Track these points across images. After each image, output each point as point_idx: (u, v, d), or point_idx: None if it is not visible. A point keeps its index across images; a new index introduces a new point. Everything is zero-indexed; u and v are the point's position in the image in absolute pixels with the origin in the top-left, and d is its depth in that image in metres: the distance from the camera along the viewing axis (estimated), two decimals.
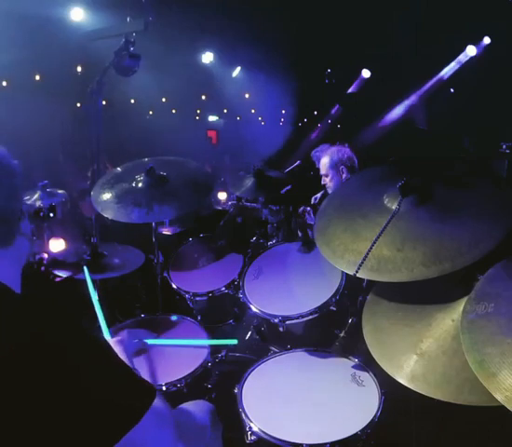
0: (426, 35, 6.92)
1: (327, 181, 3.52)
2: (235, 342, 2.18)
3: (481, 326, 1.28)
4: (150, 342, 2.04)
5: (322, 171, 3.54)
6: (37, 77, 8.99)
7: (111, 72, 3.78)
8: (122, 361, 1.09)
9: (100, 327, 1.99)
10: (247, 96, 13.08)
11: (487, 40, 8.00)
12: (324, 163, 3.51)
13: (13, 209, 1.15)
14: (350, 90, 9.90)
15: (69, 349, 0.99)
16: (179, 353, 2.19)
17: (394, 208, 1.78)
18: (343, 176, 3.43)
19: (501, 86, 6.73)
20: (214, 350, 2.29)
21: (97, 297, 2.08)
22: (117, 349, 1.64)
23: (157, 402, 1.06)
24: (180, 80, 9.43)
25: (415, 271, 1.57)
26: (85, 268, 2.33)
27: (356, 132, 8.77)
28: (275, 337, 2.44)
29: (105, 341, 1.12)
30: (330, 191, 3.57)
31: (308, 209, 3.36)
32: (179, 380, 2.04)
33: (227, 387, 2.02)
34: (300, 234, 3.26)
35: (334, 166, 3.45)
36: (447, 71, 8.74)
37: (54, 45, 6.68)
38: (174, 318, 2.50)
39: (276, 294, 2.42)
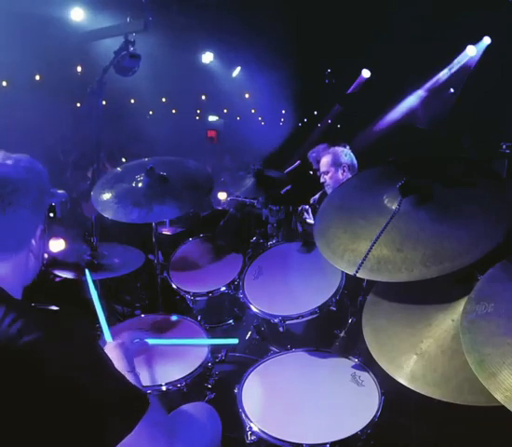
0: (426, 35, 6.91)
1: (326, 178, 3.57)
2: (235, 341, 2.18)
3: (481, 326, 1.29)
4: (151, 342, 2.03)
5: (323, 169, 3.59)
6: (37, 77, 9.00)
7: (111, 72, 3.78)
8: (116, 371, 1.09)
9: (100, 328, 1.99)
10: (247, 96, 13.08)
11: (487, 40, 7.99)
12: (326, 161, 3.56)
13: (28, 217, 1.16)
14: (350, 90, 9.90)
15: (62, 358, 0.99)
16: (179, 353, 2.19)
17: (394, 208, 1.78)
18: (344, 175, 3.47)
19: (501, 86, 6.72)
20: (214, 350, 2.29)
21: (98, 299, 2.08)
22: (117, 352, 1.64)
23: (151, 410, 1.06)
24: (180, 80, 9.44)
25: (415, 271, 1.57)
26: (86, 271, 2.33)
27: (356, 132, 8.77)
28: (275, 337, 2.44)
29: (100, 349, 1.11)
30: (329, 189, 3.62)
31: (306, 207, 3.38)
32: (179, 380, 2.04)
33: (227, 387, 2.02)
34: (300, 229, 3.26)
35: (336, 164, 3.49)
36: (447, 71, 8.73)
37: (54, 45, 6.69)
38: (174, 318, 2.50)
39: (276, 294, 2.42)
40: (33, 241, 1.20)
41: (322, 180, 3.61)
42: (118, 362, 1.54)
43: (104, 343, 1.81)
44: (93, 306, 2.05)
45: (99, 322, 1.99)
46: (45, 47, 6.75)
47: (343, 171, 3.48)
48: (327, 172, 3.55)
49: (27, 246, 1.19)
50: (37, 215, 1.19)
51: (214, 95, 12.52)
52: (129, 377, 1.44)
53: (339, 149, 3.58)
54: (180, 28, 7.38)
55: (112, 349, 1.66)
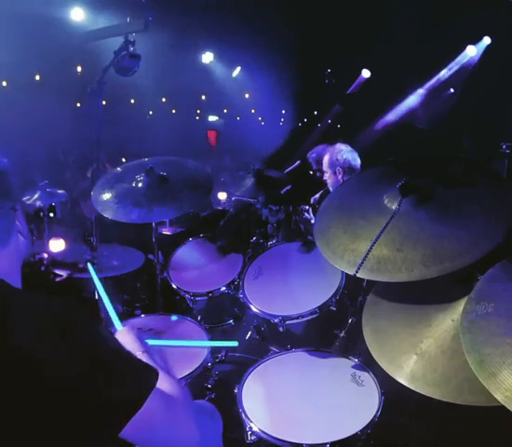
0: (426, 35, 6.91)
1: (326, 177, 3.62)
2: (235, 344, 2.18)
3: (481, 326, 1.29)
4: (150, 342, 2.02)
5: (323, 167, 3.63)
6: (37, 77, 9.00)
7: (111, 72, 3.78)
8: (122, 348, 1.09)
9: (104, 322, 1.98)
10: (247, 96, 13.07)
11: (487, 40, 7.99)
12: (325, 160, 3.60)
13: (6, 205, 1.16)
14: (350, 90, 9.90)
15: (62, 357, 0.98)
16: (179, 353, 2.19)
17: (394, 208, 1.78)
18: (339, 177, 3.49)
19: (501, 86, 6.72)
20: (214, 350, 2.29)
21: (102, 288, 2.06)
22: (130, 336, 1.63)
23: (163, 384, 1.07)
24: (180, 80, 9.43)
25: (415, 271, 1.57)
26: (89, 265, 2.30)
27: (356, 132, 8.77)
28: (275, 337, 2.44)
29: (105, 329, 1.12)
30: (330, 187, 3.64)
31: (306, 207, 3.38)
32: (179, 380, 2.04)
33: (227, 387, 2.03)
34: (302, 228, 3.27)
35: (332, 165, 3.51)
36: (447, 71, 8.73)
37: (54, 45, 6.69)
38: (174, 318, 2.50)
39: (276, 294, 2.43)
40: (18, 222, 1.20)
41: (324, 177, 3.65)
42: (132, 345, 1.53)
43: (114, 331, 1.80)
44: (93, 306, 2.04)
45: (101, 318, 1.98)
46: (45, 48, 6.74)
47: (338, 173, 3.48)
48: (326, 171, 3.58)
49: (15, 230, 1.19)
50: (9, 200, 1.18)
51: (214, 95, 12.51)
52: (145, 358, 1.45)
53: (337, 148, 3.56)
54: (180, 28, 7.37)
55: (124, 334, 1.65)
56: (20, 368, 0.94)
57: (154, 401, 1.02)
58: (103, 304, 1.96)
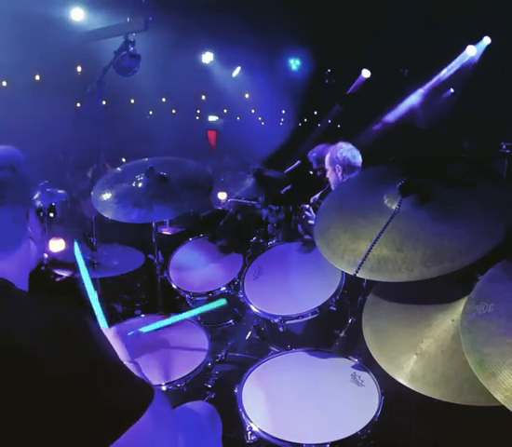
0: (426, 35, 6.91)
1: (328, 174, 3.65)
2: (223, 302, 2.01)
3: (481, 326, 1.28)
4: (144, 330, 1.97)
5: (325, 165, 3.68)
6: (37, 77, 8.99)
7: (111, 72, 3.78)
8: (120, 362, 1.09)
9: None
10: (247, 96, 13.07)
11: (487, 40, 8.00)
12: (327, 158, 3.64)
13: (19, 212, 1.16)
14: (350, 90, 9.90)
15: (63, 358, 0.98)
16: (179, 353, 2.19)
17: (394, 208, 1.78)
18: (339, 174, 3.52)
19: (501, 86, 6.72)
20: (214, 350, 2.29)
21: (95, 292, 2.03)
22: (116, 341, 1.62)
23: (156, 403, 1.06)
24: (180, 80, 9.43)
25: (415, 271, 1.57)
26: (75, 245, 2.17)
27: (356, 132, 8.77)
28: (275, 337, 2.44)
29: (106, 340, 1.10)
30: (332, 186, 3.69)
31: (306, 206, 3.38)
32: (179, 380, 2.04)
33: (227, 387, 2.02)
34: (301, 230, 3.27)
35: (332, 163, 3.55)
36: (447, 71, 8.74)
37: (54, 45, 6.69)
38: None
39: (276, 294, 2.42)
40: (29, 228, 1.21)
41: (327, 175, 3.69)
42: (119, 351, 1.53)
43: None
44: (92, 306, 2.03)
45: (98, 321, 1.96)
46: (45, 47, 6.74)
47: (338, 170, 3.51)
48: (327, 170, 3.62)
49: (26, 236, 1.20)
50: (24, 206, 1.19)
51: (214, 95, 12.50)
52: (130, 367, 1.44)
53: (338, 146, 3.59)
54: (180, 28, 7.38)
55: (111, 337, 1.64)
56: (20, 368, 0.94)
57: (147, 419, 1.01)
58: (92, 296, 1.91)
